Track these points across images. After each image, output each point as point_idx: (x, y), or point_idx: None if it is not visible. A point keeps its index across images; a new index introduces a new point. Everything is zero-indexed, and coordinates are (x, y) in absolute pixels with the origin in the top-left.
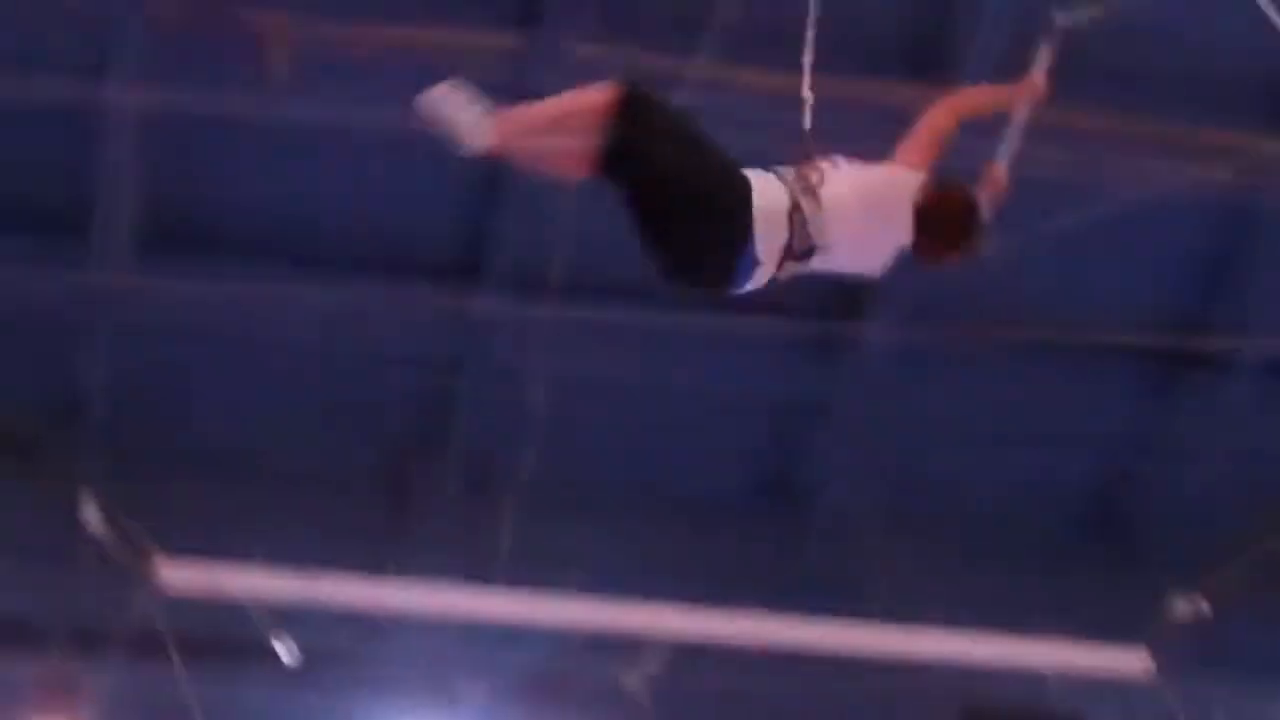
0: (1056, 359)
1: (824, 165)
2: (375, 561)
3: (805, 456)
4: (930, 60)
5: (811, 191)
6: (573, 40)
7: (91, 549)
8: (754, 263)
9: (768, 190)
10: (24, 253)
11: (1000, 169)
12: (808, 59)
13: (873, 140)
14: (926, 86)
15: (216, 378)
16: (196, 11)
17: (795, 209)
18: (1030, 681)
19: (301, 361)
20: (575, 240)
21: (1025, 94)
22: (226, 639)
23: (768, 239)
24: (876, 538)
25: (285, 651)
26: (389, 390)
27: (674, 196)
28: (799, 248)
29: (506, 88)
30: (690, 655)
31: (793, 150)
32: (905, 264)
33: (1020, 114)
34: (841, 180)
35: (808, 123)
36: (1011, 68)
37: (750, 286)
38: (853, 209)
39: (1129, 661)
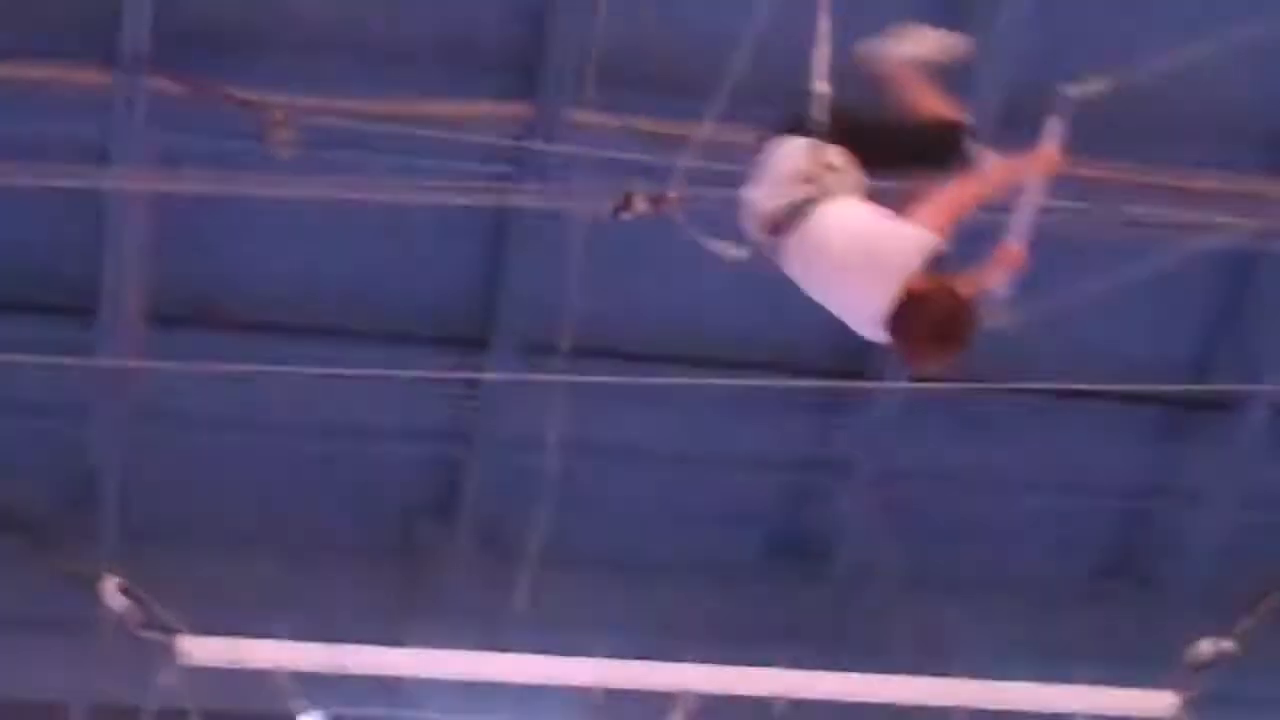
0: (1071, 408)
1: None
2: (394, 629)
3: (822, 513)
4: None
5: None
6: (573, 109)
7: (114, 627)
8: None
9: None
10: (34, 336)
11: (1016, 246)
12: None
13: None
14: None
15: (230, 453)
16: (198, 90)
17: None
18: None
19: (313, 434)
20: (582, 305)
21: (1038, 167)
22: (251, 712)
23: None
24: (897, 590)
25: None
26: (402, 459)
27: None
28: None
29: (509, 156)
30: (711, 715)
31: None
32: None
33: (1034, 188)
34: (844, 208)
35: None
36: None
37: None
38: (835, 238)
39: (1156, 704)
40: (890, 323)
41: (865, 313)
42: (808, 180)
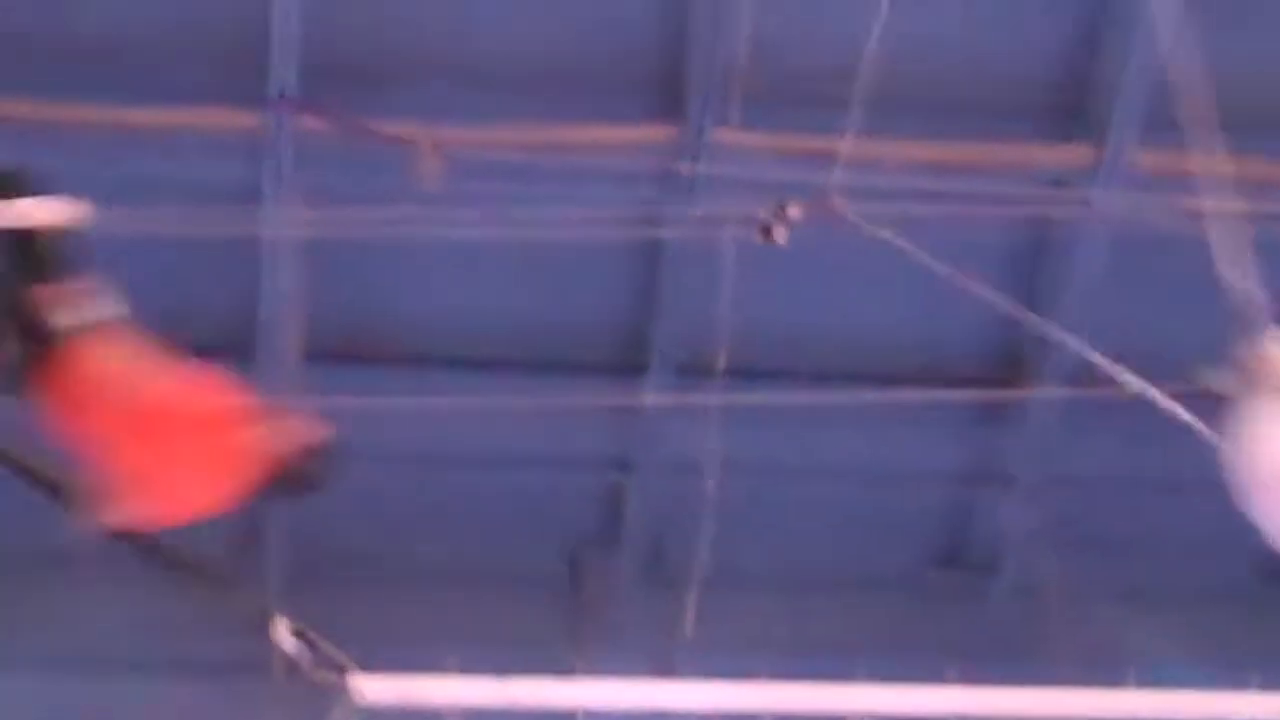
0: (1226, 405)
1: None
2: (563, 660)
3: (985, 525)
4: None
5: None
6: (720, 129)
7: (286, 669)
8: None
9: None
10: None
11: None
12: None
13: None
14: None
15: (391, 488)
16: (346, 127)
17: None
18: None
19: (473, 466)
20: (735, 325)
21: None
22: None
23: None
24: (1064, 601)
25: None
26: (563, 488)
27: None
28: None
29: (657, 178)
30: None
31: None
32: (1069, 322)
33: None
34: None
35: None
36: (1155, 126)
37: None
38: None
39: None
40: None
41: None
42: None
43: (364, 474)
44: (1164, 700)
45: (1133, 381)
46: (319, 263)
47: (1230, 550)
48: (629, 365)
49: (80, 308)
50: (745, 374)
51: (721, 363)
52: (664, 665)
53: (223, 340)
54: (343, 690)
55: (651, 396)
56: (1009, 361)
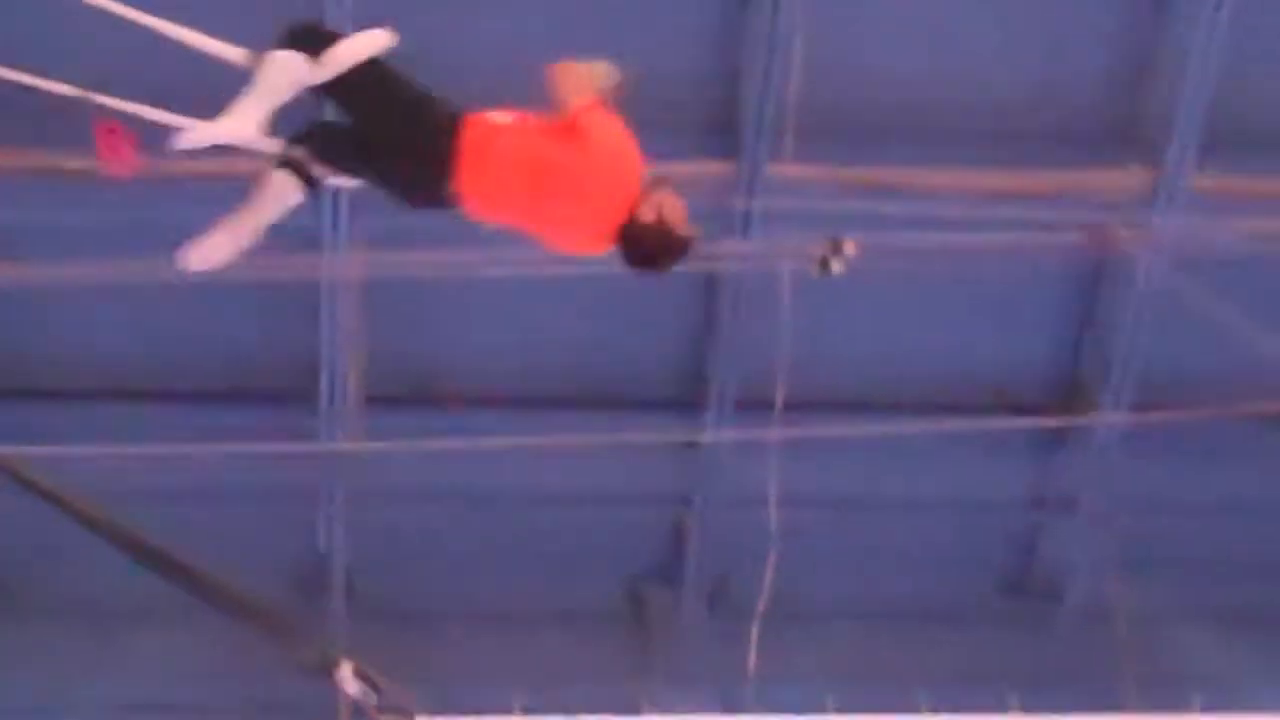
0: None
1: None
2: (628, 696)
3: (1049, 551)
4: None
5: None
6: (774, 163)
7: (352, 712)
8: None
9: None
10: (257, 424)
11: None
12: None
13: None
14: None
15: (453, 528)
16: None
17: None
18: None
19: (536, 504)
20: (793, 358)
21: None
22: None
23: None
24: (1131, 625)
25: None
26: (625, 525)
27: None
28: None
29: (715, 214)
30: None
31: None
32: (1130, 347)
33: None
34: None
35: None
36: (1211, 145)
37: None
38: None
39: None
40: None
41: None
42: None
43: (426, 515)
44: None
45: None
46: (378, 307)
47: None
48: (689, 401)
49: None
50: (805, 407)
51: (780, 396)
52: (730, 700)
53: (285, 385)
54: None
55: (711, 431)
56: (1071, 388)
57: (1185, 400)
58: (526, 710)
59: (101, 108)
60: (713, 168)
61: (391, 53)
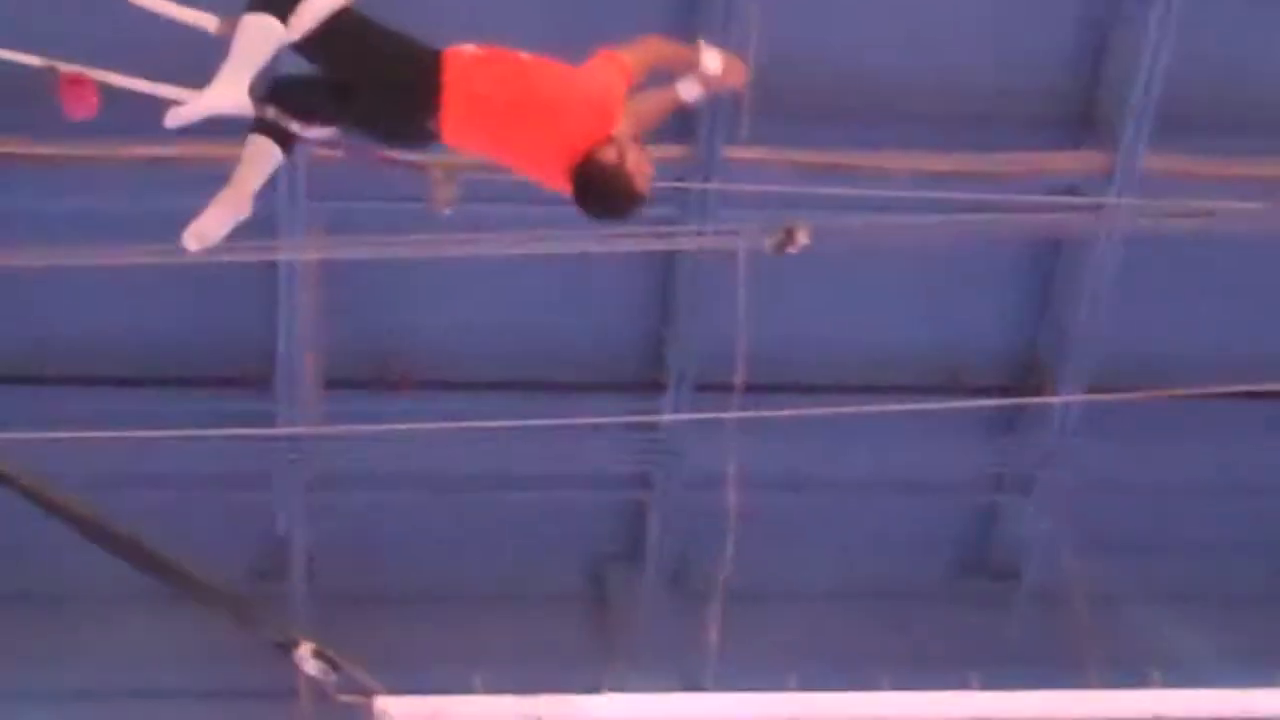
0: (1248, 409)
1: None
2: (589, 677)
3: (1007, 531)
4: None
5: None
6: (730, 146)
7: (311, 693)
8: None
9: None
10: (216, 409)
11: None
12: None
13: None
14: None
15: (413, 511)
16: (357, 155)
17: None
18: None
19: (496, 487)
20: (753, 340)
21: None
22: None
23: None
24: (1088, 604)
25: None
26: (585, 507)
27: None
28: None
29: (671, 197)
30: None
31: None
32: (1086, 327)
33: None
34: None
35: None
36: (1165, 126)
37: None
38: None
39: None
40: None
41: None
42: None
43: (386, 498)
44: (1189, 699)
45: None
46: (336, 292)
47: (1253, 550)
48: (648, 383)
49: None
50: (764, 388)
51: (740, 378)
52: (690, 679)
53: (243, 369)
54: (368, 713)
55: (671, 413)
56: (1027, 368)
57: (1141, 380)
58: (487, 690)
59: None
60: (670, 151)
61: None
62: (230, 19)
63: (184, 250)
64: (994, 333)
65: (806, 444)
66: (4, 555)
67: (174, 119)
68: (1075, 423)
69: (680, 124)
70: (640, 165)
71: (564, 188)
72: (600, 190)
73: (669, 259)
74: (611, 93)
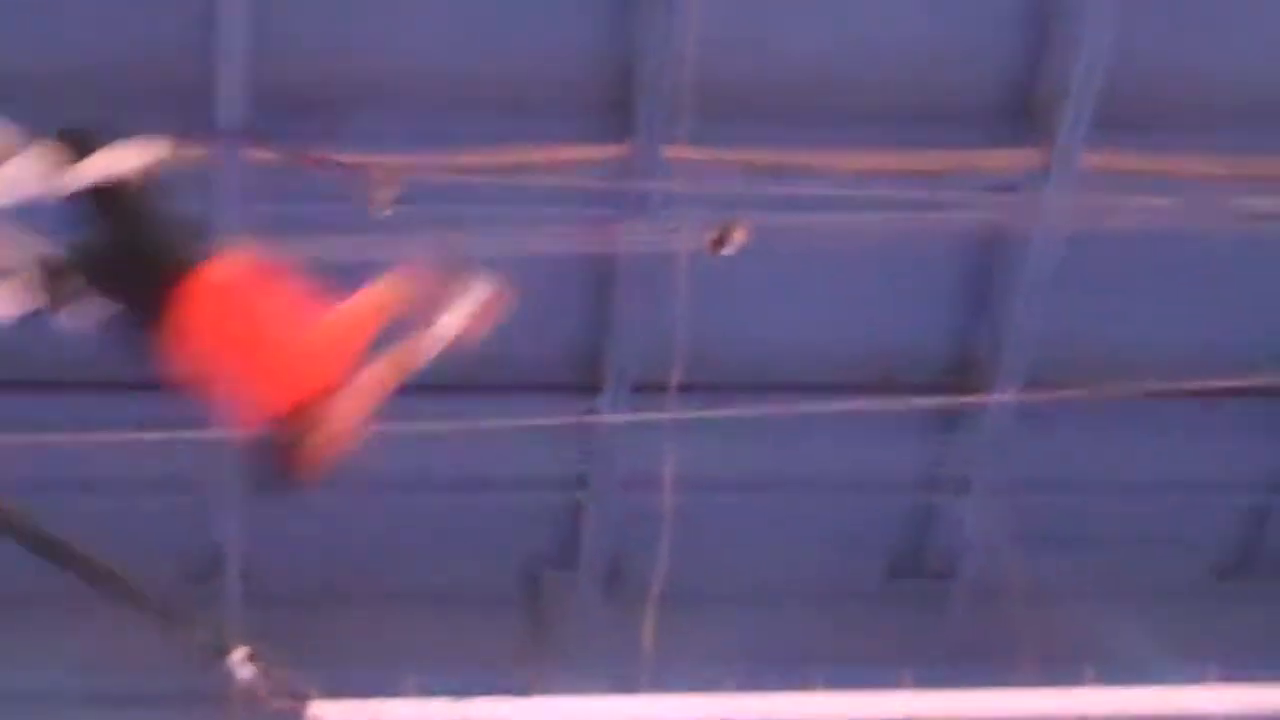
0: (1187, 406)
1: None
2: (523, 679)
3: (942, 531)
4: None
5: None
6: (668, 145)
7: (245, 697)
8: None
9: None
10: (151, 413)
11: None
12: None
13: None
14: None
15: (347, 513)
16: (295, 157)
17: None
18: None
19: (432, 489)
20: (690, 340)
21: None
22: None
23: None
24: (1024, 603)
25: None
26: (521, 508)
27: None
28: None
29: (609, 197)
30: None
31: None
32: (1022, 325)
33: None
34: None
35: None
36: (1103, 123)
37: None
38: None
39: None
40: None
41: None
42: None
43: (320, 500)
44: (1122, 696)
45: None
46: None
47: (1187, 547)
48: (584, 384)
49: (188, 241)
50: (700, 389)
51: (676, 379)
52: (625, 681)
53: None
54: (301, 716)
55: (607, 414)
56: (963, 367)
57: (1077, 378)
58: (421, 693)
59: None
60: (608, 150)
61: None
62: (13, 143)
63: None
64: (931, 331)
65: (743, 444)
66: None
67: None
68: (1012, 421)
69: (620, 123)
70: (333, 439)
71: (259, 427)
72: (278, 454)
73: (607, 259)
74: (337, 349)
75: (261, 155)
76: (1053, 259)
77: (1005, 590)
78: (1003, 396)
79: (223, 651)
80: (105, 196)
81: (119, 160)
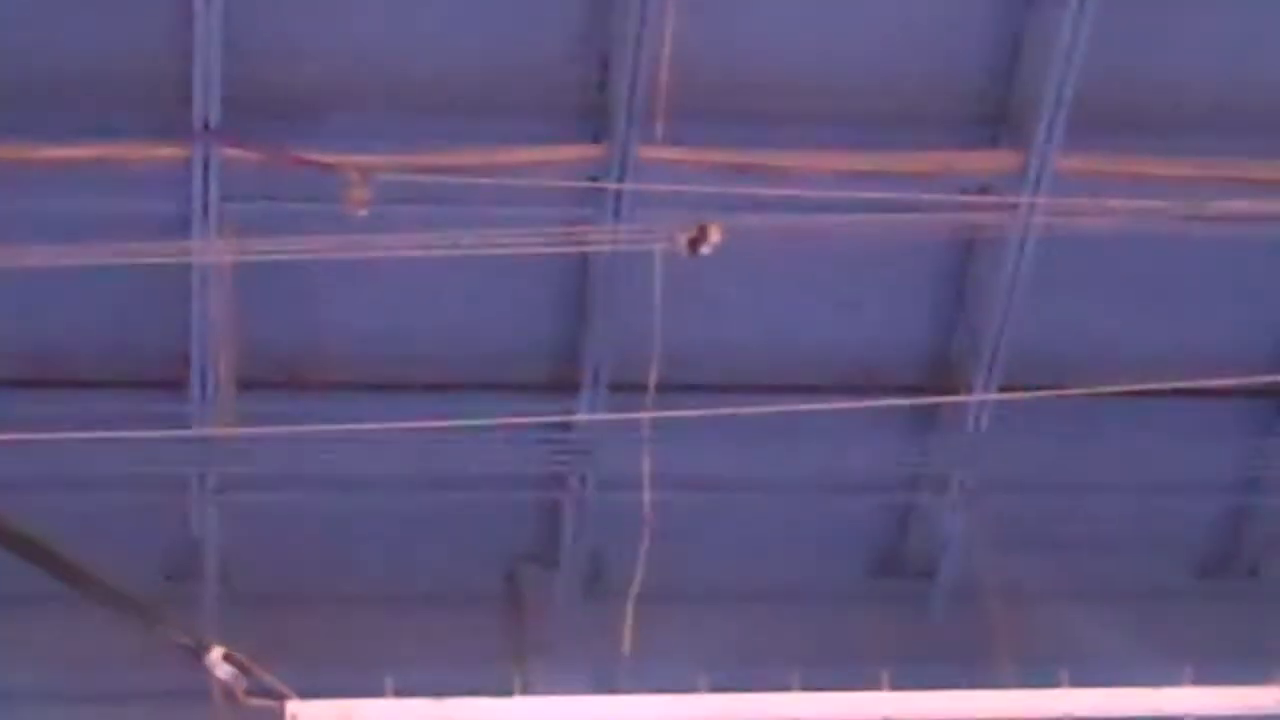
0: (1164, 406)
1: None
2: (503, 679)
3: (922, 531)
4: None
5: None
6: (643, 145)
7: (222, 697)
8: None
9: None
10: (128, 411)
11: None
12: None
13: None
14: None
15: (327, 514)
16: (271, 157)
17: None
18: None
19: (410, 489)
20: (667, 340)
21: None
22: None
23: None
24: (1003, 603)
25: None
26: (500, 508)
27: None
28: None
29: (585, 198)
30: None
31: None
32: (999, 326)
33: None
34: None
35: None
36: (1079, 125)
37: None
38: None
39: (1266, 700)
40: None
41: None
42: None
43: (300, 500)
44: (1099, 698)
45: None
46: (250, 293)
47: (1165, 547)
48: (562, 384)
49: None
50: (678, 389)
51: (654, 378)
52: (605, 681)
53: (157, 372)
54: (280, 716)
55: (585, 414)
56: (940, 368)
57: (1056, 379)
58: (399, 692)
59: None
60: (584, 151)
61: None
62: None
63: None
64: (908, 332)
65: (721, 444)
66: None
67: None
68: (990, 421)
69: (595, 124)
70: None
71: None
72: None
73: (583, 260)
74: None
75: (238, 155)
76: (1029, 260)
77: (985, 591)
78: (981, 397)
79: (200, 650)
80: None
81: None
